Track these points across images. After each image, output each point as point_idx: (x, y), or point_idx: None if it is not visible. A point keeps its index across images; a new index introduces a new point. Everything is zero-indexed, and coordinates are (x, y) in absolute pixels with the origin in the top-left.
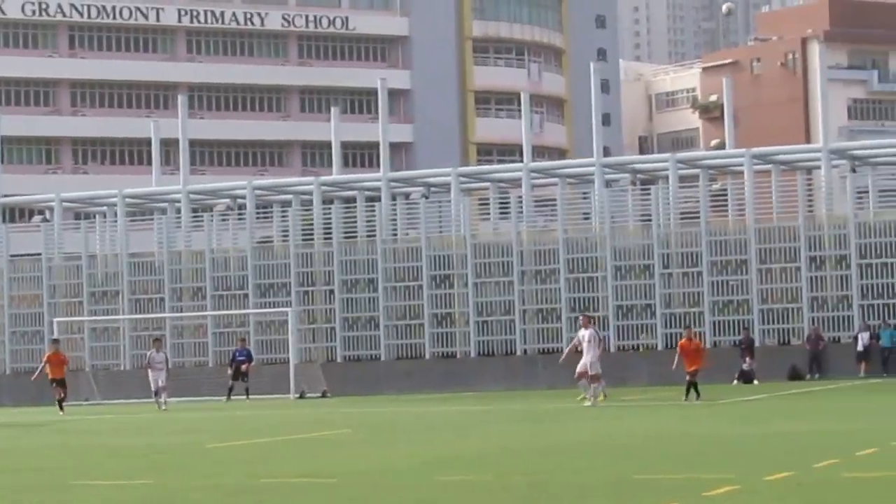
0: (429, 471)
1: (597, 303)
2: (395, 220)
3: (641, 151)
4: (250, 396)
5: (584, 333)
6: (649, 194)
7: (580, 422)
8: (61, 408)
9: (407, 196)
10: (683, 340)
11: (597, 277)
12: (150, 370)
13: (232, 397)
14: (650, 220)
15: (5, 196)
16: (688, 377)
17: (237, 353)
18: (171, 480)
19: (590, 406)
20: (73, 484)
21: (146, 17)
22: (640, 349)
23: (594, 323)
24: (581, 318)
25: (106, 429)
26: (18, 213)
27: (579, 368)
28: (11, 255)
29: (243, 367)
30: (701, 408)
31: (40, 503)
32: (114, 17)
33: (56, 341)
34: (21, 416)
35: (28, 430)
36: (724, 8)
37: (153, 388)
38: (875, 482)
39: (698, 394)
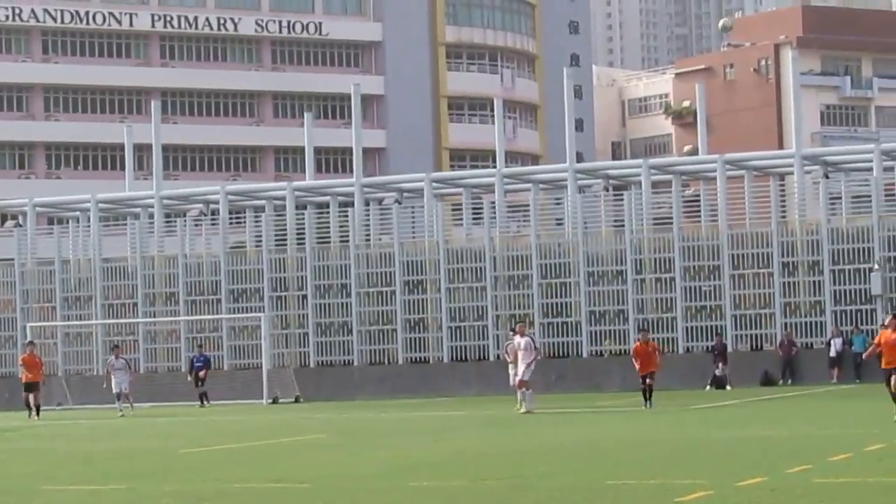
0: (402, 476)
1: (570, 308)
2: (368, 225)
3: (614, 157)
4: (206, 403)
5: (521, 341)
6: (622, 200)
7: (553, 427)
8: (37, 413)
9: (380, 201)
10: (638, 344)
11: (569, 283)
12: (112, 376)
13: (204, 403)
14: (623, 226)
15: None
16: (642, 382)
17: (195, 360)
18: (143, 486)
19: (525, 413)
20: (44, 489)
21: (119, 22)
22: (613, 354)
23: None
24: (516, 325)
25: (79, 434)
26: None
27: (517, 378)
28: None
29: (201, 373)
30: (674, 413)
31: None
32: (87, 23)
33: (31, 343)
34: None
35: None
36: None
37: (115, 393)
38: (847, 488)
39: (650, 401)
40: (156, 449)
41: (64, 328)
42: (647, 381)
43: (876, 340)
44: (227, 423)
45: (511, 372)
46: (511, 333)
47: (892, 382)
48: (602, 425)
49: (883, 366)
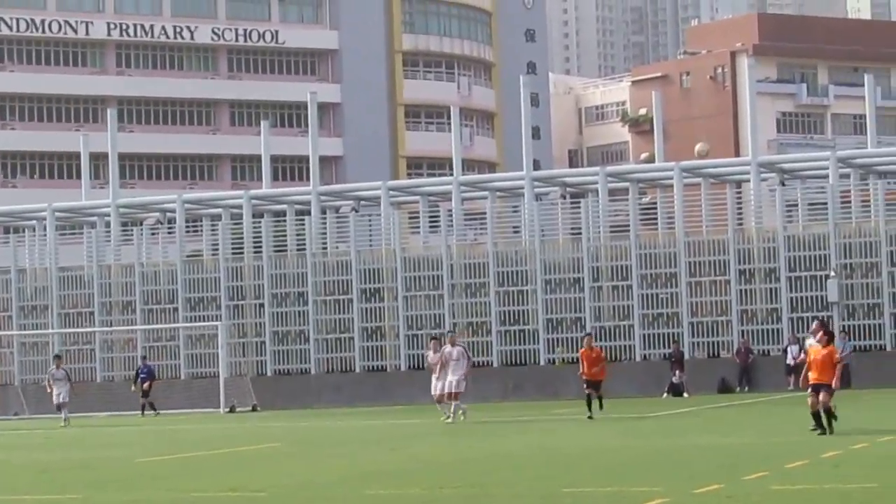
0: (358, 484)
1: (527, 316)
2: (325, 233)
3: (571, 165)
4: (154, 412)
5: (452, 351)
6: (579, 208)
7: (510, 435)
8: None
9: (337, 210)
10: (584, 349)
11: (527, 291)
12: (53, 387)
13: (144, 413)
14: (580, 234)
15: None
16: (587, 390)
17: (140, 371)
18: (99, 495)
19: (451, 423)
20: (1, 500)
21: (75, 30)
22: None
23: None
24: (448, 336)
25: (34, 444)
26: None
27: (441, 391)
28: None
29: (145, 385)
30: (631, 421)
31: None
32: (43, 31)
33: None
34: None
35: None
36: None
37: (55, 403)
38: (804, 494)
39: (601, 405)
40: (112, 458)
41: (20, 337)
42: (594, 391)
43: (804, 356)
44: (184, 431)
45: (434, 382)
46: (433, 343)
47: (812, 401)
48: (559, 433)
49: (811, 381)
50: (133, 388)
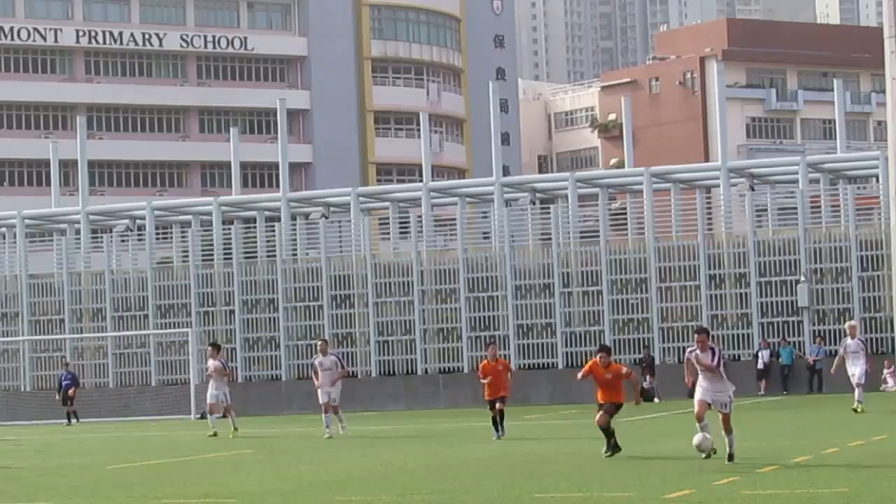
0: (329, 491)
1: (497, 322)
2: (294, 240)
3: (541, 170)
4: (75, 421)
5: (324, 360)
6: (549, 213)
7: (480, 442)
8: None
9: (307, 216)
10: (485, 361)
11: (497, 297)
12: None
13: (71, 422)
14: (550, 239)
15: None
16: (490, 408)
17: (63, 378)
18: (70, 502)
19: (329, 438)
20: None
21: (44, 37)
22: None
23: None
24: (320, 345)
25: (5, 451)
26: None
27: (326, 400)
28: None
29: (70, 391)
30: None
31: None
32: (11, 38)
33: None
34: None
35: None
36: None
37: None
38: (775, 499)
39: (503, 428)
40: (84, 465)
41: None
42: (498, 405)
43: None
44: (155, 438)
45: (319, 391)
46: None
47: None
48: (530, 439)
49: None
50: (57, 397)
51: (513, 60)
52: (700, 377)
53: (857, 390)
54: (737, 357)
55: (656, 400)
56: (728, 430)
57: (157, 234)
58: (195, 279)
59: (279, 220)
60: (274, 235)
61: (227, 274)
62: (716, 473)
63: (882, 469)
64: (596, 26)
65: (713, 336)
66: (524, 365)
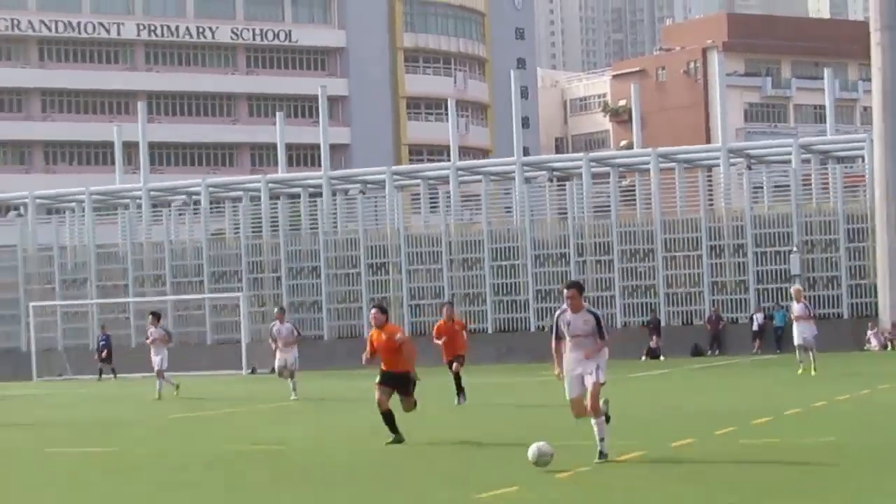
0: (368, 438)
1: (518, 288)
2: (335, 213)
3: (557, 151)
4: (113, 377)
5: (281, 328)
6: (565, 190)
7: (499, 395)
8: None
9: (346, 192)
10: (442, 321)
11: (518, 265)
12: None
13: (102, 377)
14: (566, 214)
15: None
16: (448, 367)
17: (100, 339)
18: (135, 448)
19: (295, 400)
20: (49, 451)
21: (108, 31)
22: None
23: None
24: (276, 312)
25: (77, 402)
26: None
27: (282, 364)
28: None
29: (103, 353)
30: (612, 382)
31: (21, 467)
32: (79, 32)
33: None
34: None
35: (6, 401)
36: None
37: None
38: (768, 447)
39: (463, 393)
40: (149, 416)
41: (63, 307)
42: (455, 365)
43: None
44: (210, 392)
45: (277, 356)
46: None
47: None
48: (545, 393)
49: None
50: (96, 356)
51: (532, 51)
52: (569, 347)
53: (798, 351)
54: (735, 320)
55: (662, 358)
56: (595, 410)
57: (211, 208)
58: (245, 249)
59: (321, 195)
60: (316, 210)
61: (274, 244)
62: (715, 424)
63: (865, 420)
64: (608, 20)
65: (713, 301)
66: (543, 326)
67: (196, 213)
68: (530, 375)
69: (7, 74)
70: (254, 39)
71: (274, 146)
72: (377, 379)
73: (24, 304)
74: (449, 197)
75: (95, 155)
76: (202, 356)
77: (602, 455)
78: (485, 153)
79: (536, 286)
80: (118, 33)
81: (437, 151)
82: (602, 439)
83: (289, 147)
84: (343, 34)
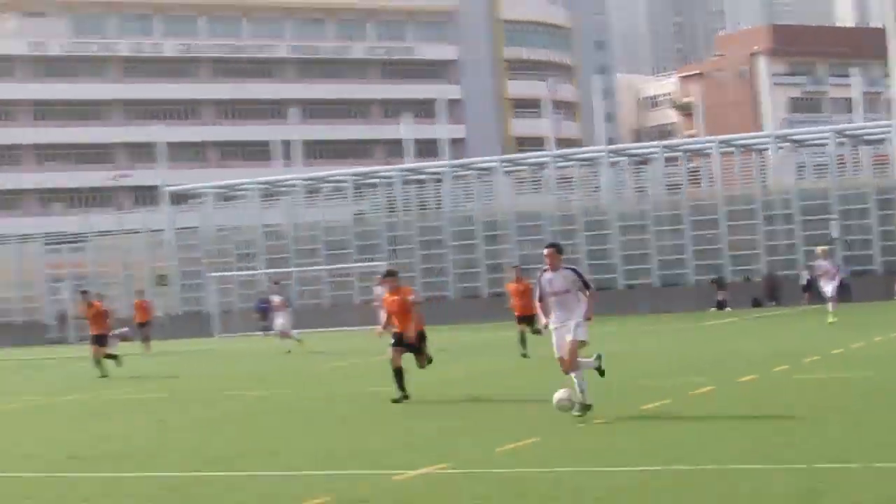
0: (497, 377)
1: (607, 253)
2: (455, 195)
3: (635, 140)
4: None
5: (275, 298)
6: (643, 172)
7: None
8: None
9: (463, 178)
10: (512, 282)
11: (606, 235)
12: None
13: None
14: (644, 191)
15: (171, 186)
16: (518, 322)
17: (259, 302)
18: (302, 390)
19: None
20: (224, 394)
21: (263, 51)
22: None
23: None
24: (271, 283)
25: (244, 354)
26: (181, 198)
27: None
28: (178, 228)
29: (264, 314)
30: (687, 330)
31: (205, 406)
32: (240, 53)
33: (85, 293)
34: (185, 345)
35: (193, 355)
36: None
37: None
38: (818, 381)
39: (525, 345)
40: (310, 364)
41: (238, 277)
42: (525, 324)
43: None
44: (362, 343)
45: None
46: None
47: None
48: (632, 341)
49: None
50: (257, 315)
51: (612, 59)
52: (553, 304)
53: (829, 304)
54: (786, 276)
55: (727, 309)
56: (570, 366)
57: (354, 193)
58: (384, 226)
59: (442, 180)
60: (440, 192)
61: (406, 222)
62: (773, 363)
63: None
64: (672, 32)
65: (768, 261)
66: (628, 285)
67: (343, 198)
68: (621, 325)
69: (184, 89)
70: (385, 55)
71: (402, 141)
72: (391, 341)
73: (206, 275)
74: (548, 180)
75: (259, 152)
76: (350, 315)
77: (585, 406)
78: (576, 143)
79: (621, 252)
80: (272, 53)
81: (537, 143)
82: (582, 391)
83: (416, 142)
84: (455, 48)
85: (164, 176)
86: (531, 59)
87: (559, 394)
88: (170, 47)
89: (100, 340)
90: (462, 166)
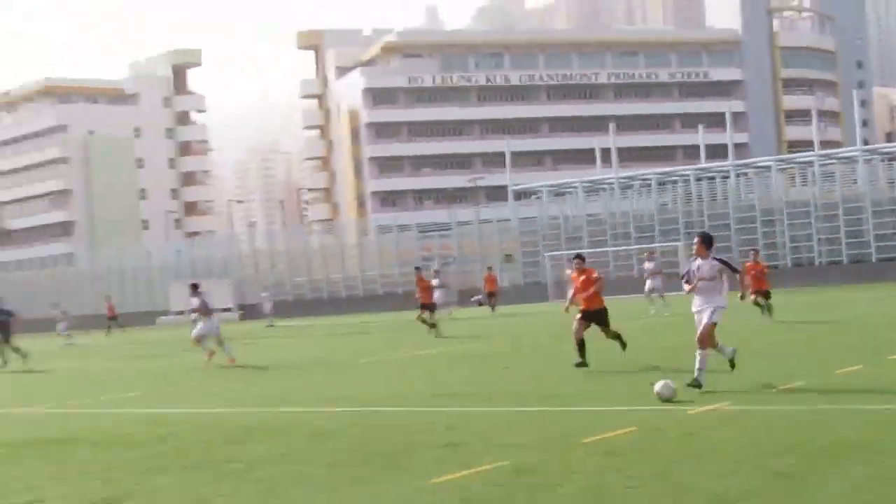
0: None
1: (863, 233)
2: (738, 189)
3: (887, 141)
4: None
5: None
6: (893, 167)
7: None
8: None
9: (746, 174)
10: (749, 262)
11: (861, 218)
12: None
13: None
14: (894, 183)
15: (516, 186)
16: (752, 295)
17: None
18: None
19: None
20: (553, 347)
21: (587, 78)
22: None
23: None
24: (646, 253)
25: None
26: (523, 195)
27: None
28: (521, 218)
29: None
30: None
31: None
32: (571, 80)
33: (418, 269)
34: (525, 309)
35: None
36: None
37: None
38: None
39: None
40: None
41: (567, 256)
42: (756, 296)
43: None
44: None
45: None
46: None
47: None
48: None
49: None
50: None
51: (869, 75)
52: (698, 288)
53: None
54: None
55: None
56: (700, 342)
57: (659, 188)
58: (681, 213)
59: (727, 177)
60: (727, 187)
61: (699, 210)
62: (886, 350)
63: None
64: None
65: None
66: (879, 258)
67: (649, 193)
68: (875, 292)
69: (525, 110)
70: (684, 77)
71: (697, 147)
72: (578, 315)
73: (543, 254)
74: (814, 174)
75: (584, 158)
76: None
77: (696, 383)
78: (837, 145)
79: (874, 231)
80: (595, 80)
81: (806, 145)
82: (700, 370)
83: (707, 147)
84: (741, 71)
85: (510, 178)
86: (803, 78)
87: (657, 386)
88: (515, 77)
89: (426, 308)
90: (744, 165)
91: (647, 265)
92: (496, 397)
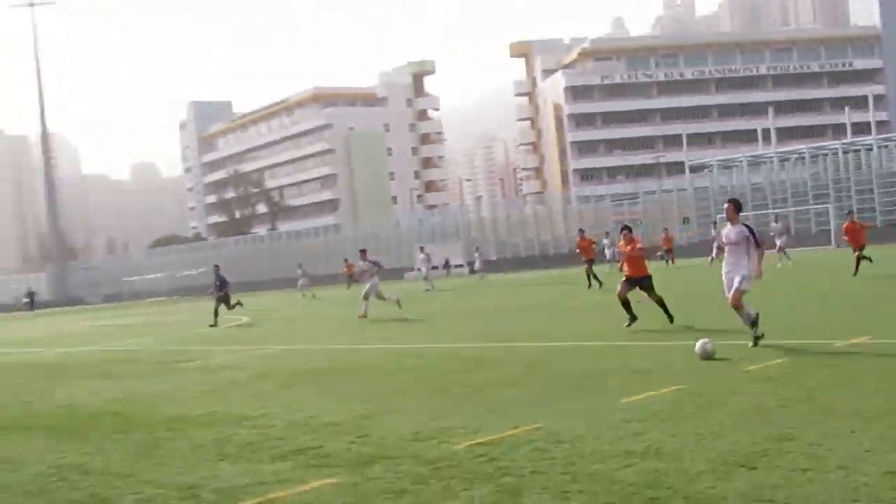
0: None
1: None
2: (880, 159)
3: None
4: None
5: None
6: None
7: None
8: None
9: (886, 147)
10: (847, 223)
11: None
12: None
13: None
14: None
15: (691, 161)
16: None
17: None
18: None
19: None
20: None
21: (742, 71)
22: None
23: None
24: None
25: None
26: (697, 169)
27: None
28: (695, 188)
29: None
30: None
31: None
32: (735, 73)
33: (582, 231)
34: (692, 262)
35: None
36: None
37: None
38: None
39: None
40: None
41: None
42: (859, 253)
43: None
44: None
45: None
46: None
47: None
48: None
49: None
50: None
51: None
52: (726, 252)
53: None
54: None
55: None
56: (734, 307)
57: (811, 160)
58: (831, 181)
59: (872, 150)
60: (870, 157)
61: (847, 177)
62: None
63: None
64: None
65: None
66: None
67: (803, 164)
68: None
69: (693, 100)
70: (832, 68)
71: (844, 125)
72: (623, 279)
73: (714, 218)
74: None
75: (746, 136)
76: (805, 238)
77: (755, 338)
78: None
79: None
80: (756, 72)
81: None
82: (754, 324)
83: (853, 125)
84: (880, 61)
85: (686, 156)
86: None
87: (698, 345)
88: (689, 73)
89: (588, 263)
90: (886, 139)
91: (773, 224)
92: (671, 333)
